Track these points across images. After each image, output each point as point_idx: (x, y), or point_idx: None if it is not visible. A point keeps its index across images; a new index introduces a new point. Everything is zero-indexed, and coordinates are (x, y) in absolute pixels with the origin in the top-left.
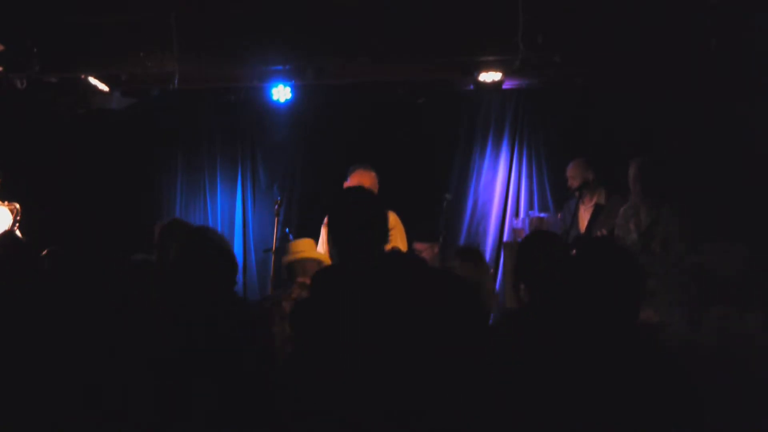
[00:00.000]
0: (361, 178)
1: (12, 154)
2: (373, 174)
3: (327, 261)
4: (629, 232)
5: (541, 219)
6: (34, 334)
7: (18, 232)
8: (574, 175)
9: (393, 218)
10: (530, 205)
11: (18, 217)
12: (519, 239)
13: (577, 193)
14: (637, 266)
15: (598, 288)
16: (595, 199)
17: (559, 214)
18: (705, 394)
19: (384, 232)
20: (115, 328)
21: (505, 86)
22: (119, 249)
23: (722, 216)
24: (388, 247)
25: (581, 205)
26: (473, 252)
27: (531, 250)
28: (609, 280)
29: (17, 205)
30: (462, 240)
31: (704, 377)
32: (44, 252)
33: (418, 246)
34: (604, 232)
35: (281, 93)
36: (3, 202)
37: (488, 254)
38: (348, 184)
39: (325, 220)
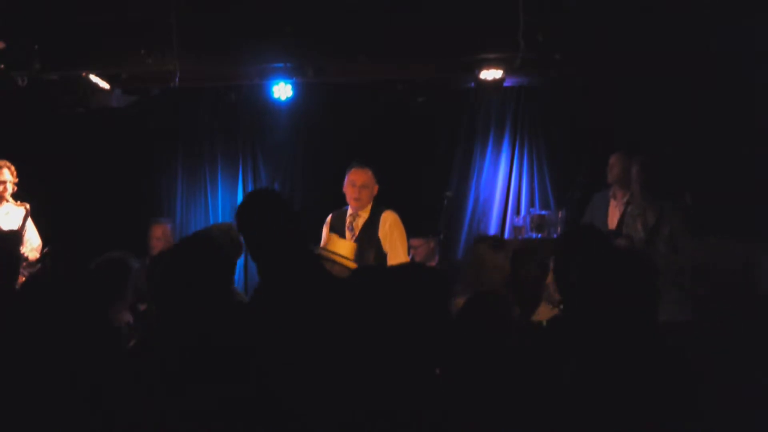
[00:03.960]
0: (355, 177)
1: (12, 152)
2: (368, 172)
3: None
4: (637, 232)
5: (542, 216)
6: (28, 334)
7: (34, 231)
8: (614, 164)
9: (392, 218)
10: (531, 203)
11: (28, 217)
12: (520, 237)
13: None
14: (654, 272)
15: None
16: (627, 197)
17: (560, 213)
18: (708, 392)
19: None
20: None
21: (505, 84)
22: (119, 248)
23: (724, 214)
24: (387, 247)
25: (612, 201)
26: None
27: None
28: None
29: (27, 206)
30: (463, 238)
31: (707, 376)
32: (45, 250)
33: (414, 242)
34: (625, 241)
35: (282, 91)
36: (16, 201)
37: None
38: (345, 182)
39: (328, 219)
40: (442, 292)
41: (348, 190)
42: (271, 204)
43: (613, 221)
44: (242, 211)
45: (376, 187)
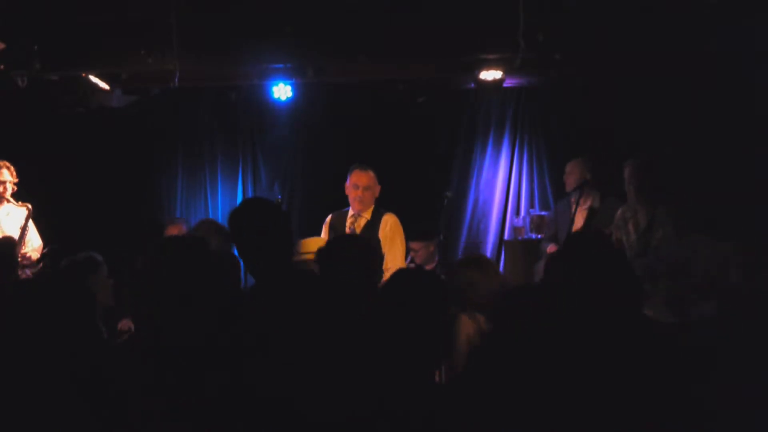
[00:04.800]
0: (358, 179)
1: (12, 152)
2: (370, 173)
3: None
4: (628, 234)
5: (542, 217)
6: (17, 335)
7: (35, 232)
8: (571, 171)
9: (393, 220)
10: (531, 204)
11: (30, 217)
12: (519, 237)
13: (577, 193)
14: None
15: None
16: (589, 202)
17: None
18: (698, 392)
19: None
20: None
21: (505, 85)
22: (119, 248)
23: (718, 215)
24: (386, 249)
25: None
26: (473, 258)
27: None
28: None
29: (29, 206)
30: (463, 239)
31: (697, 375)
32: (45, 250)
33: (414, 245)
34: (609, 233)
35: (282, 91)
36: (17, 201)
37: (489, 253)
38: (347, 184)
39: (327, 219)
40: (439, 295)
41: (351, 193)
42: (271, 207)
43: (578, 226)
44: (242, 216)
45: (377, 188)
